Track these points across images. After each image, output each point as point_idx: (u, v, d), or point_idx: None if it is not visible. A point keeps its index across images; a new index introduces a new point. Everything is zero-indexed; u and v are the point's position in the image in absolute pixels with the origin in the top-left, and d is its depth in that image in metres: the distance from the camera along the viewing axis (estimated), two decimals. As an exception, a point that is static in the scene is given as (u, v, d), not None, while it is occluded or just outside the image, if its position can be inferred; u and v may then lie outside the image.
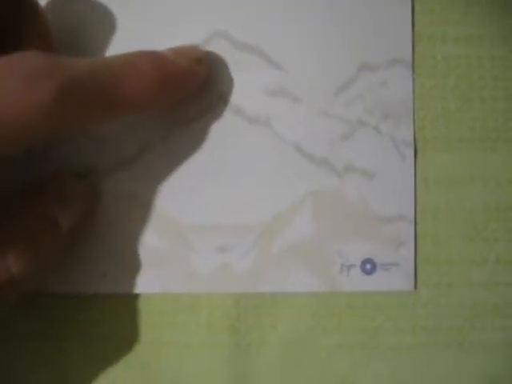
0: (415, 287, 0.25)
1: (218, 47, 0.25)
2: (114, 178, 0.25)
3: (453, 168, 0.25)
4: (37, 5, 0.22)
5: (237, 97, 0.25)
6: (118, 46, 0.25)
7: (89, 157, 0.25)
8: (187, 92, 0.23)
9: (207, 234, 0.25)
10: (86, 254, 0.25)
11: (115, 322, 0.25)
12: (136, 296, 0.25)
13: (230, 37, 0.25)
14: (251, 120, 0.25)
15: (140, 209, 0.25)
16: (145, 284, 0.25)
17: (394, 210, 0.25)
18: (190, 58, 0.23)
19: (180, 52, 0.23)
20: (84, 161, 0.25)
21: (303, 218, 0.25)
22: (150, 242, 0.25)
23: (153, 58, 0.22)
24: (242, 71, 0.25)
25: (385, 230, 0.25)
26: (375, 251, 0.25)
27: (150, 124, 0.25)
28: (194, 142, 0.25)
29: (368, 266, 0.25)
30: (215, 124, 0.25)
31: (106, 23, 0.25)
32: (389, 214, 0.25)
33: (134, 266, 0.25)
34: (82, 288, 0.25)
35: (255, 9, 0.25)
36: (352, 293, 0.25)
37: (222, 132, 0.25)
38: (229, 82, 0.25)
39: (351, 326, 0.25)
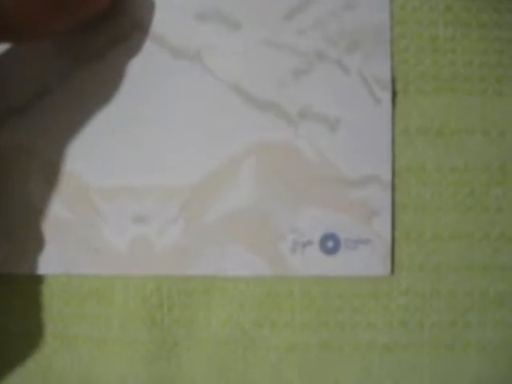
0: (392, 271, 0.19)
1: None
2: (4, 129, 0.19)
3: (443, 116, 0.19)
4: None
5: (157, 23, 0.19)
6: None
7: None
8: (86, 11, 0.17)
9: (119, 199, 0.19)
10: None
11: (9, 309, 0.20)
12: (33, 278, 0.19)
13: None
14: (176, 53, 0.19)
15: (35, 167, 0.19)
16: (44, 263, 0.19)
17: (364, 171, 0.19)
18: None
19: None
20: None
21: (243, 180, 0.19)
22: (49, 209, 0.19)
23: None
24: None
25: (352, 196, 0.19)
26: (339, 224, 0.19)
27: (45, 60, 0.19)
28: (102, 82, 0.19)
29: (330, 244, 0.19)
30: (129, 58, 0.19)
31: None
32: (357, 174, 0.19)
33: (29, 239, 0.19)
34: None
35: None
36: (309, 278, 0.19)
37: (137, 69, 0.19)
38: (149, 4, 0.19)
39: (308, 320, 0.19)
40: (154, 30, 0.19)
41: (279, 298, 0.19)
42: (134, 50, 0.19)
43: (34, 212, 0.20)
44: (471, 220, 0.19)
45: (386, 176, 0.19)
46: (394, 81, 0.19)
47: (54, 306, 0.20)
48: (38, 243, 0.20)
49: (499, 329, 0.19)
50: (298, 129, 0.19)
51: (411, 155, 0.19)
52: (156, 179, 0.19)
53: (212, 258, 0.19)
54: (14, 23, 0.16)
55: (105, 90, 0.19)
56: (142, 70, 0.19)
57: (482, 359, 0.19)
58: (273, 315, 0.19)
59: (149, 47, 0.19)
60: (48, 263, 0.20)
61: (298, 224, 0.19)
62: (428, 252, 0.19)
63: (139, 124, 0.19)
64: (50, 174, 0.20)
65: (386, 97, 0.19)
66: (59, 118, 0.19)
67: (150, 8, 0.19)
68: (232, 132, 0.19)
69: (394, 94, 0.19)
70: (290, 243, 0.19)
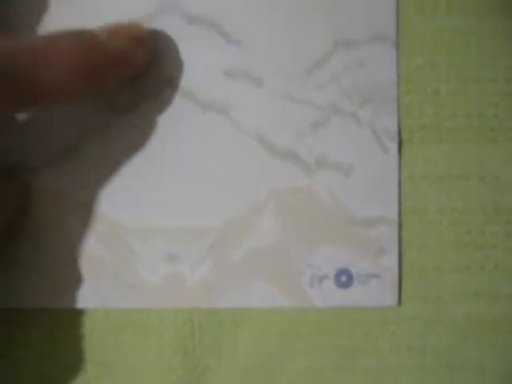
0: (399, 302, 0.21)
1: (167, 21, 0.21)
2: (44, 175, 0.21)
3: (444, 163, 0.21)
4: None
5: (188, 79, 0.21)
6: (63, 16, 0.21)
7: (16, 153, 0.21)
8: (121, 80, 0.19)
9: (153, 239, 0.21)
10: (15, 262, 0.21)
11: (51, 340, 0.22)
12: (74, 312, 0.21)
13: (181, 9, 0.21)
14: (205, 106, 0.21)
15: (74, 211, 0.21)
16: (83, 298, 0.21)
17: (374, 212, 0.21)
18: (126, 38, 0.19)
19: (115, 31, 0.19)
20: (11, 158, 0.21)
21: (266, 221, 0.21)
22: (88, 248, 0.21)
23: (79, 39, 0.18)
24: (195, 49, 0.21)
25: (363, 235, 0.21)
26: (352, 260, 0.21)
27: (83, 112, 0.21)
28: (136, 132, 0.21)
29: (343, 278, 0.21)
30: (162, 111, 0.21)
31: None
32: (368, 216, 0.21)
33: (70, 276, 0.21)
34: (14, 302, 0.21)
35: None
36: (324, 309, 0.21)
37: (170, 120, 0.21)
38: (179, 62, 0.21)
39: (324, 346, 0.21)
40: (185, 86, 0.21)
41: (298, 326, 0.22)
42: (165, 103, 0.21)
43: (72, 251, 0.21)
44: (468, 255, 0.22)
45: (393, 216, 0.21)
46: (400, 132, 0.22)
47: (93, 337, 0.22)
48: (76, 279, 0.21)
49: (495, 351, 0.22)
50: (314, 175, 0.21)
51: (416, 198, 0.22)
52: (186, 221, 0.21)
53: (238, 292, 0.21)
54: (45, 91, 0.18)
55: (137, 139, 0.21)
56: (173, 121, 0.21)
57: (480, 379, 0.22)
58: (293, 342, 0.22)
59: (179, 101, 0.21)
60: (87, 298, 0.21)
61: (315, 260, 0.21)
62: (430, 284, 0.22)
63: (170, 170, 0.21)
64: (86, 216, 0.21)
65: (393, 146, 0.21)
66: (94, 164, 0.21)
67: (181, 65, 0.21)
68: (255, 178, 0.21)
69: (401, 144, 0.22)
70: (308, 278, 0.21)
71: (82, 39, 0.18)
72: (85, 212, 0.21)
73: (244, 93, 0.21)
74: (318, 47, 0.21)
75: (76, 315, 0.22)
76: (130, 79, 0.20)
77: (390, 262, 0.21)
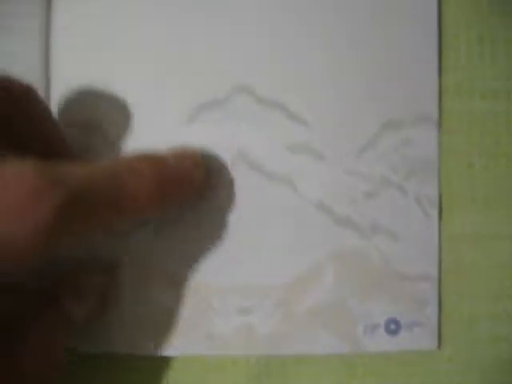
0: (439, 346, 0.25)
1: (240, 102, 0.24)
2: (135, 240, 0.24)
3: (478, 225, 0.25)
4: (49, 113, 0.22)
5: (258, 153, 0.24)
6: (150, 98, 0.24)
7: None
8: (185, 196, 0.23)
9: (228, 295, 0.24)
10: (110, 316, 0.24)
11: (138, 382, 0.25)
12: (158, 358, 0.25)
13: (252, 91, 0.24)
14: (272, 177, 0.24)
15: (162, 277, 0.24)
16: (166, 346, 0.25)
17: (418, 269, 0.25)
18: (189, 162, 0.23)
19: (180, 155, 0.23)
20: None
21: (326, 279, 0.25)
22: (171, 303, 0.24)
23: (153, 162, 0.21)
24: (265, 127, 0.24)
25: (409, 289, 0.25)
26: (399, 311, 0.25)
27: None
28: (214, 204, 0.24)
29: (392, 326, 0.25)
30: (235, 183, 0.24)
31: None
32: (413, 273, 0.25)
33: (152, 326, 0.24)
34: (109, 347, 0.25)
35: (279, 64, 0.24)
36: (375, 352, 0.25)
37: (241, 190, 0.24)
38: (250, 138, 0.24)
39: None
40: (254, 159, 0.25)
41: (353, 368, 0.25)
42: (238, 174, 0.25)
43: (159, 307, 0.25)
44: (499, 304, 0.25)
45: (435, 273, 0.25)
46: (440, 200, 0.25)
47: (174, 381, 0.25)
48: (160, 330, 0.25)
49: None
50: (367, 239, 0.25)
51: (454, 257, 0.25)
52: (257, 279, 0.25)
53: (302, 340, 0.25)
54: (124, 210, 0.20)
55: (214, 207, 0.25)
56: (245, 190, 0.25)
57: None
58: (350, 381, 0.25)
59: (249, 173, 0.25)
60: (169, 345, 0.25)
61: (368, 312, 0.25)
62: (466, 330, 0.25)
63: (241, 235, 0.25)
64: (173, 280, 0.25)
65: (435, 212, 0.25)
66: (181, 237, 0.25)
67: (252, 140, 0.24)
68: (316, 241, 0.25)
69: (441, 210, 0.25)
70: (362, 327, 0.25)
71: (156, 161, 0.21)
72: (172, 277, 0.24)
73: (306, 166, 0.25)
74: (369, 127, 0.25)
75: (159, 361, 0.25)
76: (191, 196, 0.23)
77: (432, 311, 0.25)
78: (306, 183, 0.25)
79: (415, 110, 0.25)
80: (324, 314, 0.25)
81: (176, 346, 0.25)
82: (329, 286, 0.25)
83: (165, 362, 0.25)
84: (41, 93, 0.22)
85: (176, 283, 0.24)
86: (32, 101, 0.21)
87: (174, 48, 0.24)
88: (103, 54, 0.24)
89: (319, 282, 0.25)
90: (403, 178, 0.25)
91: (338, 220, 0.25)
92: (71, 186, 0.17)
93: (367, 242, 0.25)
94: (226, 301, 0.24)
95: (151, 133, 0.24)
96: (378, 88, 0.24)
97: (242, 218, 0.24)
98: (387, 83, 0.24)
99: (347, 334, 0.25)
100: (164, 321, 0.24)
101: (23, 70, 0.24)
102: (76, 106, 0.25)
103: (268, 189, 0.24)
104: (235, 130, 0.24)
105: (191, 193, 0.23)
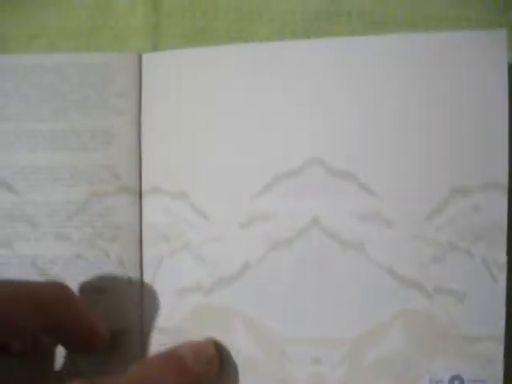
0: (502, 402, 0.26)
1: (313, 173, 0.26)
2: (219, 293, 0.27)
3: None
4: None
5: (331, 221, 0.26)
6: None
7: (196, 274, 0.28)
8: None
9: (302, 346, 0.27)
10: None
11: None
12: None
13: (324, 163, 0.26)
14: (345, 244, 0.26)
15: (242, 322, 0.27)
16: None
17: (483, 330, 0.26)
18: (204, 360, 0.26)
19: (198, 353, 0.26)
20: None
21: (394, 335, 0.26)
22: (250, 352, 0.27)
23: (175, 363, 0.25)
24: (337, 196, 0.26)
25: (473, 349, 0.26)
26: (463, 368, 0.26)
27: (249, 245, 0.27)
28: (290, 261, 0.27)
29: (456, 382, 0.26)
30: (310, 246, 0.27)
31: None
32: (478, 333, 0.26)
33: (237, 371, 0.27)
34: None
35: (348, 137, 0.26)
36: (439, 405, 0.27)
37: (316, 254, 0.27)
38: (323, 207, 0.26)
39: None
40: (328, 226, 0.27)
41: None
42: (313, 240, 0.27)
43: (237, 354, 0.28)
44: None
45: (500, 334, 0.26)
46: (508, 263, 0.26)
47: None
48: (241, 374, 0.28)
49: None
50: (434, 300, 0.26)
51: None
52: (329, 332, 0.27)
53: None
54: None
55: (291, 268, 0.27)
56: (319, 255, 0.27)
57: None
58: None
59: (323, 240, 0.27)
60: None
61: (433, 367, 0.27)
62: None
63: (317, 294, 0.27)
64: (251, 327, 0.27)
65: (502, 276, 0.26)
66: (257, 287, 0.27)
67: (326, 209, 0.27)
68: (385, 301, 0.27)
69: (509, 273, 0.26)
70: (427, 382, 0.27)
71: (177, 362, 0.25)
72: (249, 324, 0.27)
73: (377, 233, 0.26)
74: (437, 194, 0.26)
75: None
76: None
77: (495, 370, 0.26)
78: (375, 249, 0.26)
79: (483, 178, 0.25)
80: (390, 368, 0.26)
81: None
82: (396, 341, 0.26)
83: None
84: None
85: (253, 330, 0.27)
86: (68, 300, 0.25)
87: (254, 122, 0.27)
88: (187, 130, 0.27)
89: (387, 337, 0.26)
90: (470, 242, 0.26)
91: (406, 282, 0.26)
92: None
93: (433, 302, 0.26)
94: (299, 351, 0.27)
95: (232, 200, 0.27)
96: (446, 154, 0.26)
97: (316, 278, 0.27)
98: (455, 149, 0.25)
99: (412, 388, 0.26)
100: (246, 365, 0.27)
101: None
102: (165, 175, 0.28)
103: (341, 254, 0.26)
104: (309, 200, 0.26)
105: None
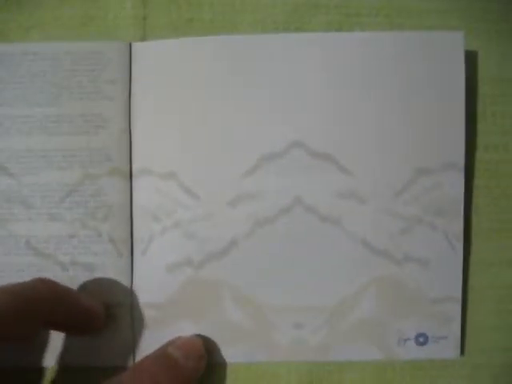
0: (462, 353, 0.30)
1: (295, 155, 0.29)
2: (208, 268, 0.29)
3: (491, 252, 0.30)
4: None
5: (312, 199, 0.29)
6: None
7: (187, 250, 0.30)
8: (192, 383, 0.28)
9: (286, 313, 0.30)
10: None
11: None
12: (224, 365, 0.30)
13: (305, 146, 0.29)
14: (324, 219, 0.29)
15: (229, 294, 0.30)
16: (234, 355, 0.30)
17: (444, 293, 0.30)
18: (194, 356, 0.28)
19: (187, 351, 0.28)
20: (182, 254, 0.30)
21: (368, 300, 0.30)
22: (238, 320, 0.30)
23: (166, 363, 0.27)
24: (317, 176, 0.29)
25: (436, 309, 0.30)
26: (428, 326, 0.30)
27: (236, 223, 0.29)
28: (275, 237, 0.29)
29: (421, 339, 0.30)
30: (293, 223, 0.29)
31: None
32: (440, 295, 0.30)
33: (226, 340, 0.30)
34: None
35: (327, 122, 0.29)
36: (406, 360, 0.30)
37: (298, 229, 0.29)
38: (305, 186, 0.29)
39: (405, 385, 0.30)
40: (310, 204, 0.30)
41: (387, 372, 0.31)
42: (295, 216, 0.30)
43: (226, 321, 0.30)
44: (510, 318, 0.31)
45: (458, 295, 0.30)
46: (464, 235, 0.30)
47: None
48: (228, 342, 0.30)
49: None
50: (402, 268, 0.30)
51: (477, 280, 0.30)
52: (310, 301, 0.30)
53: (346, 350, 0.30)
54: None
55: (276, 242, 0.30)
56: (300, 229, 0.30)
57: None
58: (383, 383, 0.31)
59: (306, 216, 0.30)
60: (235, 354, 0.30)
61: (402, 327, 0.30)
62: (484, 341, 0.31)
63: (298, 265, 0.30)
64: (239, 298, 0.30)
65: (459, 246, 0.30)
66: (244, 261, 0.30)
67: (306, 188, 0.29)
68: (360, 270, 0.30)
69: (464, 243, 0.30)
70: (396, 340, 0.30)
71: (165, 364, 0.27)
72: (237, 295, 0.30)
73: (352, 208, 0.29)
74: (404, 173, 0.29)
75: (226, 368, 0.30)
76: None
77: (455, 327, 0.30)
78: (351, 223, 0.29)
79: (444, 159, 0.29)
80: (364, 329, 0.30)
81: (238, 355, 0.30)
82: (370, 306, 0.30)
83: (225, 369, 0.30)
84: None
85: (239, 300, 0.29)
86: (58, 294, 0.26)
87: (240, 107, 0.29)
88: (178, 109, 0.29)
89: (362, 302, 0.30)
90: (433, 216, 0.29)
91: (378, 252, 0.29)
92: None
93: (402, 270, 0.29)
94: (283, 318, 0.30)
95: (220, 180, 0.29)
96: (411, 139, 0.29)
97: (298, 251, 0.29)
98: (419, 134, 0.29)
99: (383, 345, 0.30)
100: (229, 332, 0.30)
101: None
102: (154, 157, 0.29)
103: (320, 229, 0.29)
104: (292, 180, 0.29)
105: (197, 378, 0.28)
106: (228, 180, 0.29)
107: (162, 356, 0.27)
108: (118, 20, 0.30)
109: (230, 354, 0.30)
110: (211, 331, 0.30)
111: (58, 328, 0.28)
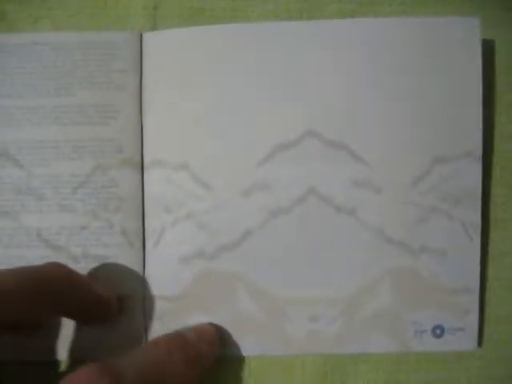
0: (479, 345, 0.29)
1: (309, 144, 0.29)
2: (222, 259, 0.29)
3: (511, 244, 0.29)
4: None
5: (326, 188, 0.29)
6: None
7: (199, 242, 0.29)
8: (205, 366, 0.27)
9: (300, 305, 0.29)
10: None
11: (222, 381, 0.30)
12: (240, 357, 0.30)
13: (319, 134, 0.29)
14: (339, 209, 0.29)
15: (243, 286, 0.29)
16: (246, 347, 0.30)
17: (461, 284, 0.29)
18: (206, 339, 0.28)
19: (199, 333, 0.28)
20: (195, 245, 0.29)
21: (383, 291, 0.29)
22: (253, 313, 0.29)
23: (179, 341, 0.26)
24: (331, 165, 0.29)
25: (453, 301, 0.29)
26: (444, 318, 0.29)
27: (250, 213, 0.29)
28: (289, 227, 0.29)
29: (438, 331, 0.29)
30: (308, 213, 0.29)
31: None
32: (457, 286, 0.29)
33: (240, 332, 0.29)
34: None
35: (342, 110, 0.28)
36: (423, 352, 0.30)
37: (312, 219, 0.29)
38: (319, 176, 0.29)
39: (420, 378, 0.30)
40: (324, 193, 0.29)
41: (402, 365, 0.30)
42: (310, 206, 0.29)
43: (240, 315, 0.30)
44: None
45: (475, 286, 0.30)
46: (482, 225, 0.30)
47: (254, 379, 0.30)
48: (242, 335, 0.30)
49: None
50: (418, 258, 0.29)
51: (495, 271, 0.30)
52: (325, 292, 0.29)
53: (361, 341, 0.30)
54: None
55: (291, 233, 0.29)
56: (316, 219, 0.29)
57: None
58: (398, 376, 0.30)
59: (320, 205, 0.29)
60: (249, 347, 0.30)
61: (418, 319, 0.30)
62: (502, 332, 0.30)
63: (314, 256, 0.29)
64: (252, 290, 0.30)
65: (477, 235, 0.29)
66: (259, 252, 0.29)
67: (321, 178, 0.29)
68: (375, 261, 0.29)
69: (482, 233, 0.29)
70: (412, 332, 0.30)
71: (178, 341, 0.26)
72: (251, 287, 0.29)
73: (367, 198, 0.29)
74: (421, 163, 0.29)
75: (238, 360, 0.30)
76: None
77: (473, 319, 0.29)
78: (366, 213, 0.29)
79: (461, 148, 0.29)
80: (380, 321, 0.29)
81: (253, 347, 0.30)
82: (386, 297, 0.29)
83: (242, 362, 0.30)
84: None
85: (254, 292, 0.29)
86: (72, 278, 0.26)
87: (253, 96, 0.29)
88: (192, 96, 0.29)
89: (377, 293, 0.29)
90: (450, 206, 0.29)
91: (394, 242, 0.29)
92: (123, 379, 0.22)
93: (418, 260, 0.29)
94: (298, 310, 0.29)
95: (233, 170, 0.29)
96: (428, 127, 0.28)
97: (313, 242, 0.29)
98: (436, 122, 0.28)
99: (400, 337, 0.29)
100: (242, 326, 0.29)
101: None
102: (167, 148, 0.29)
103: (335, 219, 0.29)
104: (306, 169, 0.29)
105: (210, 364, 0.28)
106: (241, 170, 0.29)
107: (176, 335, 0.27)
108: (129, 10, 0.29)
109: (245, 346, 0.29)
110: (225, 323, 0.29)
111: (70, 315, 0.27)
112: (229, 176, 0.29)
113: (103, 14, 0.29)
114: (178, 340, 0.27)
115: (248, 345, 0.29)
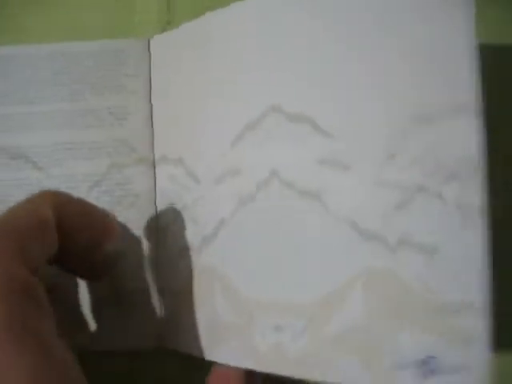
0: (491, 390, 0.19)
1: (272, 121, 0.25)
2: (205, 253, 0.27)
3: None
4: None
5: (289, 170, 0.24)
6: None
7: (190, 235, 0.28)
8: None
9: (268, 311, 0.24)
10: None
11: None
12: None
13: (282, 110, 0.25)
14: (302, 193, 0.24)
15: (220, 283, 0.26)
16: (223, 355, 0.26)
17: (459, 295, 0.20)
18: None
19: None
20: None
21: (354, 301, 0.22)
22: (227, 315, 0.26)
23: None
24: (294, 143, 0.24)
25: (448, 321, 0.20)
26: (437, 348, 0.20)
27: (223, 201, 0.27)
28: (255, 217, 0.25)
29: (429, 367, 0.20)
30: (270, 199, 0.25)
31: None
32: (453, 299, 0.20)
33: (216, 337, 0.26)
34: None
35: (305, 81, 0.24)
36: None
37: (275, 207, 0.24)
38: (282, 156, 0.24)
39: None
40: (285, 179, 0.24)
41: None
42: (272, 194, 0.25)
43: (218, 319, 0.26)
44: None
45: (480, 299, 0.20)
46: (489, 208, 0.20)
47: None
48: (218, 342, 0.26)
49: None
50: (396, 256, 0.21)
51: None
52: (289, 296, 0.24)
53: (327, 367, 0.23)
54: None
55: (255, 224, 0.25)
56: (278, 207, 0.24)
57: None
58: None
59: (281, 192, 0.24)
60: (224, 355, 0.26)
61: (399, 345, 0.21)
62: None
63: (276, 251, 0.24)
64: (226, 289, 0.26)
65: (478, 222, 0.20)
66: (230, 244, 0.26)
67: (284, 159, 0.24)
68: (344, 259, 0.22)
69: (488, 221, 0.20)
70: (392, 362, 0.21)
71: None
72: (226, 285, 0.26)
73: (334, 180, 0.23)
74: (398, 127, 0.22)
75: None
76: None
77: (480, 352, 0.20)
78: (334, 198, 0.23)
79: (450, 101, 0.21)
80: (352, 341, 0.22)
81: (230, 357, 0.25)
82: (357, 309, 0.22)
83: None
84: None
85: (228, 292, 0.26)
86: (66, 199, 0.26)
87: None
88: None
89: (347, 304, 0.22)
90: (442, 183, 0.21)
91: (366, 235, 0.22)
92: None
93: (396, 260, 0.21)
94: (265, 316, 0.24)
95: (209, 157, 0.27)
96: (404, 79, 0.22)
97: (277, 234, 0.24)
98: (415, 73, 0.22)
99: (376, 368, 0.21)
100: (217, 329, 0.26)
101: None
102: (168, 144, 0.29)
103: (298, 206, 0.24)
104: (269, 150, 0.25)
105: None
106: (214, 156, 0.27)
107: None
108: (142, 25, 0.32)
109: (221, 354, 0.26)
110: (206, 325, 0.26)
111: (75, 245, 0.26)
112: (206, 164, 0.27)
113: (115, 27, 0.32)
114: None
115: (224, 353, 0.26)
